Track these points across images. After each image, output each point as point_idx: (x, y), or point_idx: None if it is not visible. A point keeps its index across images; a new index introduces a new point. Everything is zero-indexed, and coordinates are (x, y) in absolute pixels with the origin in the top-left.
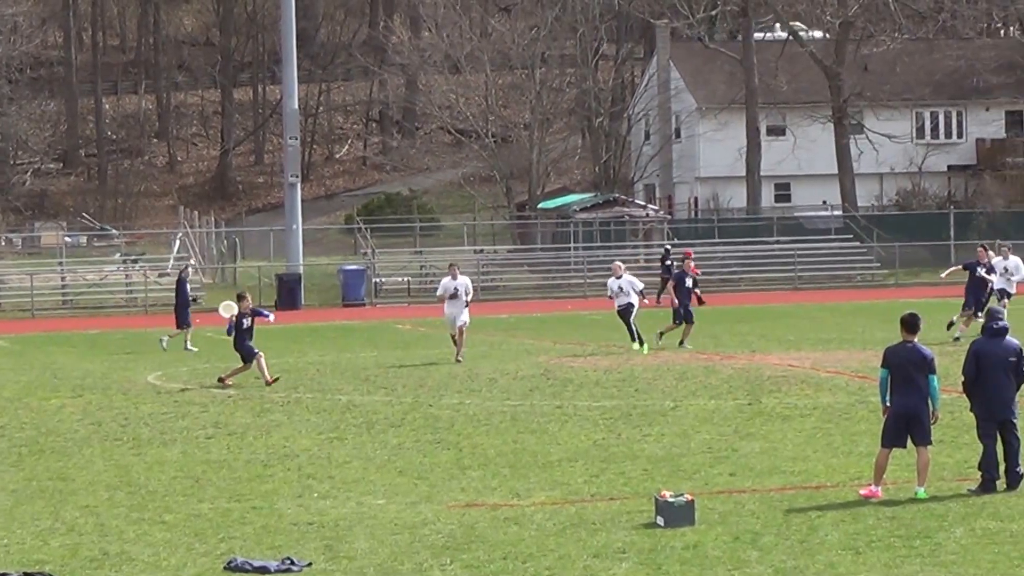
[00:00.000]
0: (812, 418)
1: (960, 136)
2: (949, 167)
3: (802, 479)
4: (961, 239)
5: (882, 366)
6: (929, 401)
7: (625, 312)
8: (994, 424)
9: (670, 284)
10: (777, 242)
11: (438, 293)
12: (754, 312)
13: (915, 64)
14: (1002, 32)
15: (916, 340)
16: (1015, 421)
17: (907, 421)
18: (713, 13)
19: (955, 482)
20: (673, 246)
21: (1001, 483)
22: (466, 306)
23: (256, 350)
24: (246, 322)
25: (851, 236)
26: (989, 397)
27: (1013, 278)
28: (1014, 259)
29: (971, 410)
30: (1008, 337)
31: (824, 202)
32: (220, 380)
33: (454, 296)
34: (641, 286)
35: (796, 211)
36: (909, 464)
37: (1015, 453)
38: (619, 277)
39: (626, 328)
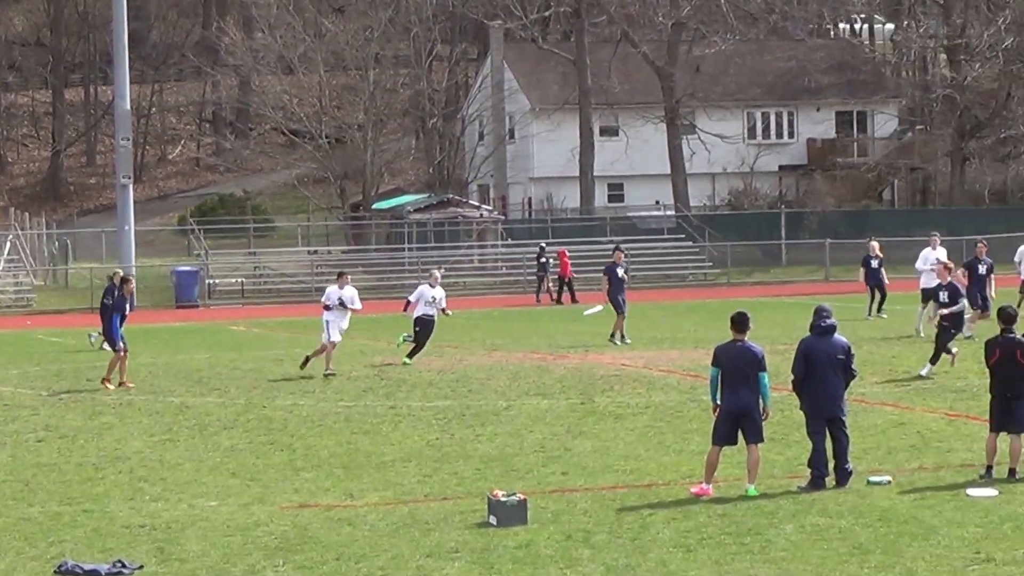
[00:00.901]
0: (644, 417)
1: (791, 136)
2: (780, 167)
3: (634, 477)
4: (792, 238)
5: (713, 365)
6: (760, 399)
7: (427, 325)
8: (823, 422)
9: (604, 279)
10: (610, 242)
11: (324, 301)
12: (573, 311)
13: (747, 65)
14: (832, 33)
15: (746, 338)
16: (844, 419)
17: (738, 419)
18: (546, 14)
19: (785, 479)
20: (544, 245)
21: (830, 480)
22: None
23: (122, 345)
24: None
25: (684, 236)
26: (818, 395)
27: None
28: (943, 251)
29: (801, 408)
30: (837, 335)
31: (657, 202)
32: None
33: (340, 305)
34: (445, 304)
35: (629, 211)
36: (740, 462)
37: (844, 450)
38: (433, 287)
39: (414, 336)
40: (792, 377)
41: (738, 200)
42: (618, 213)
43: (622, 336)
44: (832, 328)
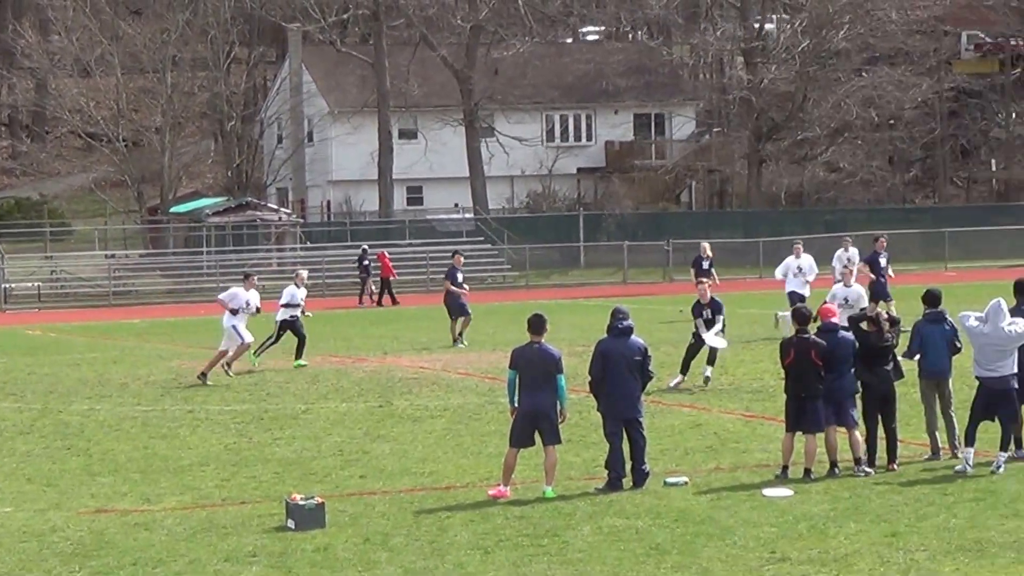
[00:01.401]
0: (442, 419)
1: (589, 139)
2: (579, 169)
3: (432, 480)
4: (591, 241)
5: (510, 367)
6: (557, 401)
7: (295, 325)
8: (620, 423)
9: (447, 283)
10: (409, 244)
11: (232, 305)
12: (386, 315)
13: (545, 68)
14: (630, 36)
15: (543, 340)
16: (641, 420)
17: (535, 421)
18: (345, 17)
19: (583, 481)
20: (366, 248)
21: (627, 481)
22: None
23: None
24: None
25: (482, 238)
26: (615, 396)
27: (808, 278)
28: (807, 258)
29: (598, 409)
30: (634, 337)
31: (456, 205)
32: None
33: (244, 310)
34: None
35: (428, 214)
36: (538, 464)
37: (641, 452)
38: (299, 287)
39: (274, 339)
40: (589, 379)
41: (536, 202)
42: (417, 216)
43: (459, 337)
44: (629, 330)
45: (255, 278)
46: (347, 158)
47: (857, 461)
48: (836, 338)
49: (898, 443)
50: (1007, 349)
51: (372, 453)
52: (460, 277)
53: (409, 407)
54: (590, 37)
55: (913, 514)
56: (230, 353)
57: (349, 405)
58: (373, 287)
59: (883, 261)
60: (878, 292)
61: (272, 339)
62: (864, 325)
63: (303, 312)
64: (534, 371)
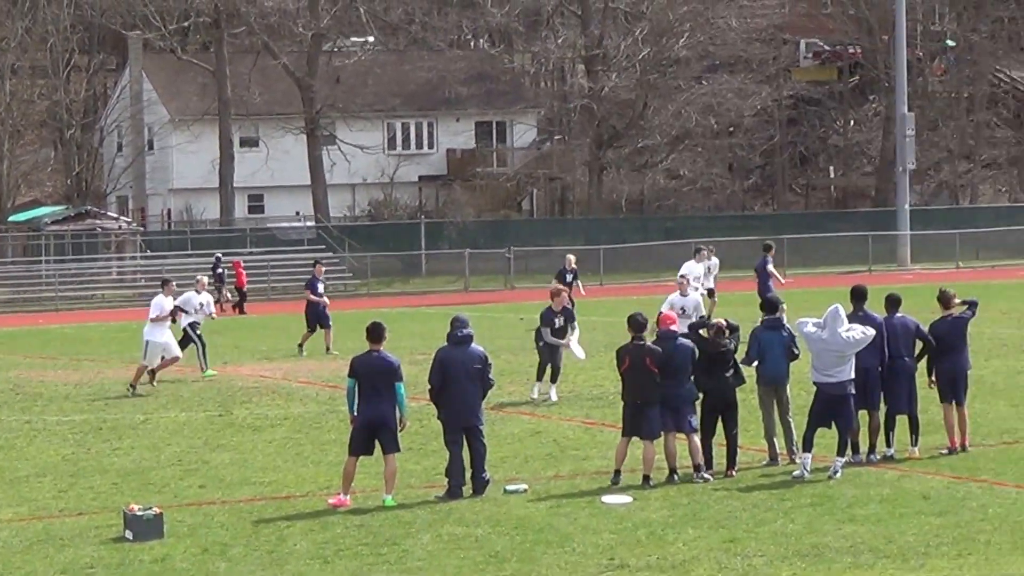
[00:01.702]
0: (283, 428)
1: (431, 147)
2: (420, 177)
3: (272, 489)
4: (432, 249)
5: (349, 375)
6: (396, 408)
7: (194, 328)
8: (460, 431)
9: (307, 292)
10: (251, 253)
11: (160, 315)
12: (227, 324)
13: (387, 75)
14: (472, 44)
15: (382, 348)
16: (481, 428)
17: (374, 429)
18: (186, 25)
19: (423, 489)
20: (220, 256)
21: (467, 489)
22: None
23: None
24: None
25: (324, 247)
26: (455, 404)
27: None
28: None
29: (438, 417)
30: (474, 345)
31: (297, 213)
32: None
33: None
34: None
35: (269, 222)
36: (379, 472)
37: (481, 459)
38: (199, 292)
39: (199, 346)
40: (429, 387)
41: (378, 211)
42: (259, 224)
43: (300, 347)
44: (468, 338)
45: (174, 284)
46: (188, 166)
47: (696, 468)
48: (674, 345)
49: (738, 449)
50: (845, 355)
51: (212, 463)
52: (321, 287)
53: (249, 416)
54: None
55: (751, 520)
56: (155, 364)
57: (189, 415)
58: (228, 295)
59: (770, 266)
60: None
61: (200, 346)
62: (703, 332)
63: (211, 316)
64: (373, 379)
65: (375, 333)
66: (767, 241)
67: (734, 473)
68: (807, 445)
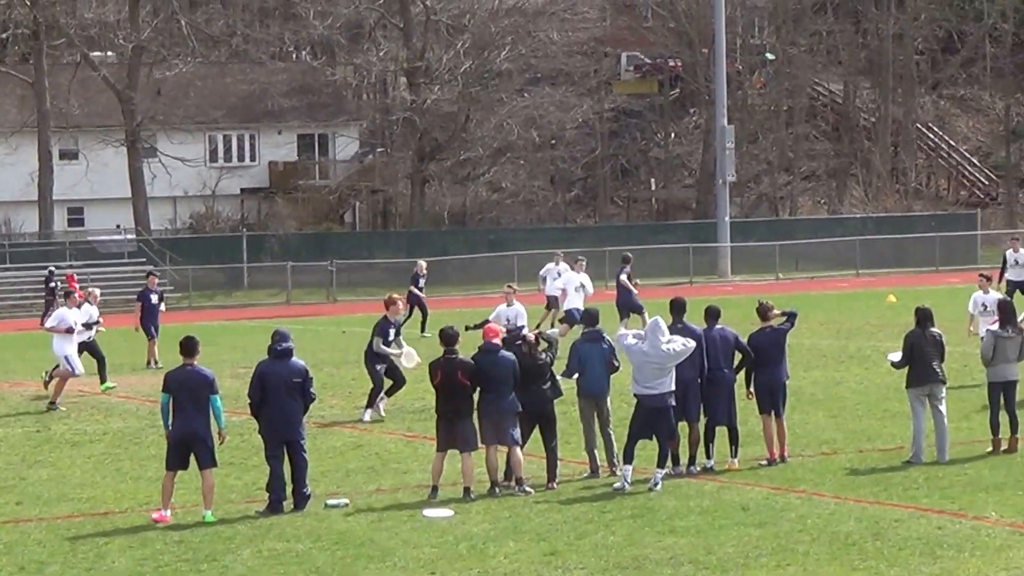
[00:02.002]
0: (102, 444)
1: (253, 159)
2: (242, 190)
3: (90, 506)
4: (254, 261)
5: (163, 390)
6: (213, 422)
7: (92, 346)
8: (281, 445)
9: (137, 305)
10: (71, 266)
11: (60, 327)
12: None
13: (208, 88)
14: (294, 56)
15: (196, 362)
16: (302, 442)
17: (189, 444)
18: (4, 36)
19: (243, 504)
20: (53, 269)
21: (288, 504)
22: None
23: None
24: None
25: (144, 260)
26: (275, 418)
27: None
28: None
29: (259, 431)
30: (294, 358)
31: (118, 226)
32: None
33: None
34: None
35: (89, 235)
36: (199, 487)
37: (302, 474)
38: (92, 304)
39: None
40: (249, 401)
41: (200, 223)
42: (78, 237)
43: (156, 361)
44: (288, 352)
45: (77, 295)
46: (6, 179)
47: (518, 481)
48: (495, 358)
49: (558, 462)
50: (665, 367)
51: (29, 479)
52: (155, 298)
53: (68, 431)
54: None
55: (572, 532)
56: (80, 371)
57: (5, 430)
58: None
59: (623, 277)
60: (632, 306)
61: (99, 359)
62: (521, 345)
63: (99, 328)
64: (187, 393)
65: (188, 347)
66: (625, 253)
67: (555, 486)
68: (628, 457)
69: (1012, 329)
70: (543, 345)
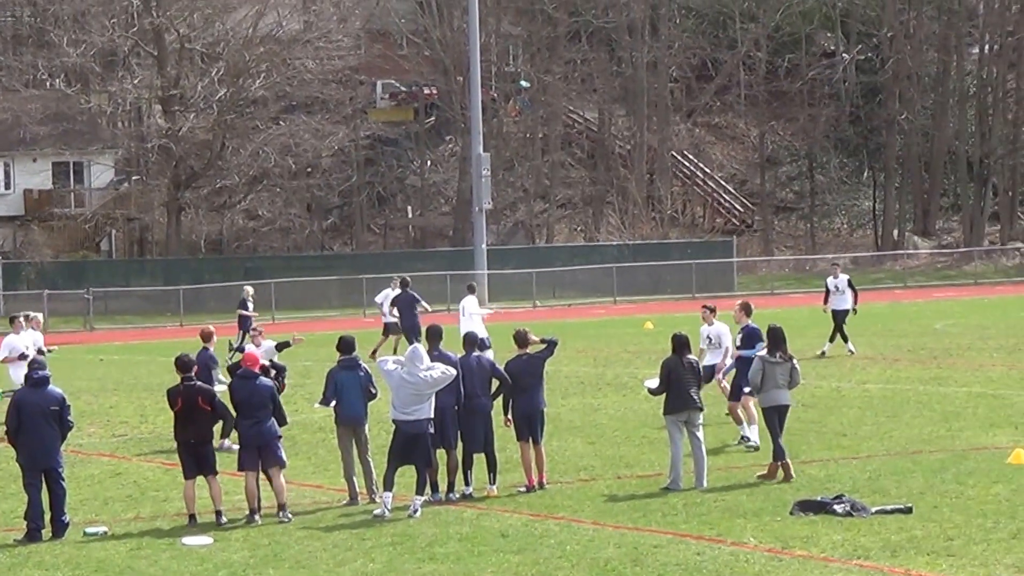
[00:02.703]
0: None
1: (8, 187)
2: None
3: None
4: (11, 289)
5: None
6: None
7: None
8: (39, 473)
9: None
10: None
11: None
12: None
13: None
14: (48, 84)
15: None
16: (61, 470)
17: None
18: None
19: (2, 532)
20: None
21: (47, 532)
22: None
23: None
24: None
25: None
26: (33, 446)
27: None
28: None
29: (17, 460)
30: (52, 387)
31: None
32: None
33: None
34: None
35: None
36: None
37: (61, 502)
38: (35, 330)
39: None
40: (5, 429)
41: None
42: None
43: None
44: (45, 380)
45: (22, 318)
46: None
47: (281, 507)
48: (253, 384)
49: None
50: (423, 394)
51: None
52: None
53: None
54: None
55: (332, 560)
56: None
57: None
58: None
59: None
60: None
61: (8, 393)
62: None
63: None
64: None
65: None
66: (471, 283)
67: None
68: (388, 484)
69: (781, 355)
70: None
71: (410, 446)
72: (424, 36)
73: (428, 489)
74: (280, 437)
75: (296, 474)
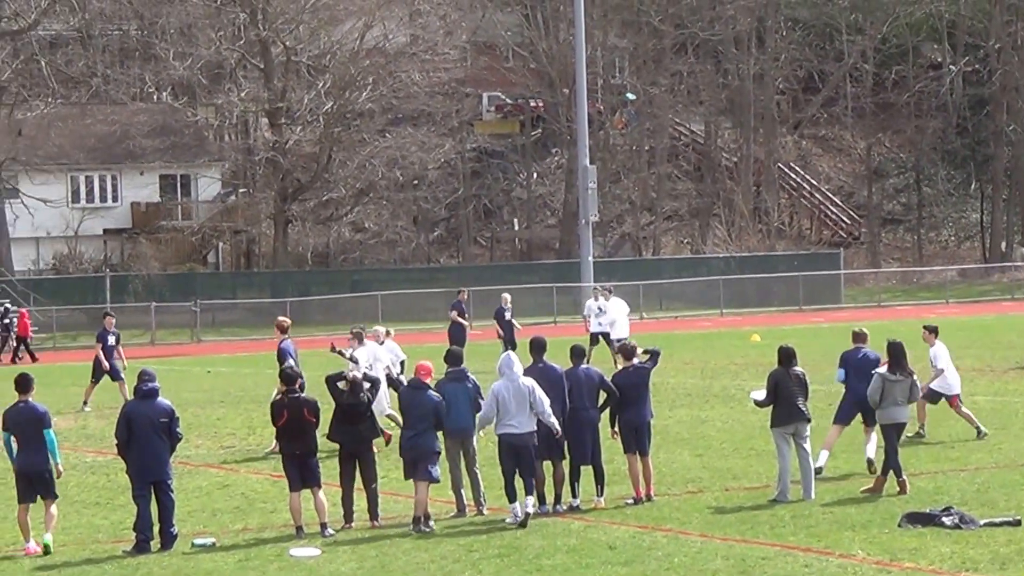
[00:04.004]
0: None
1: (116, 200)
2: (105, 230)
3: None
4: (118, 302)
5: (3, 428)
6: (50, 457)
7: None
8: (148, 485)
9: (97, 346)
10: None
11: None
12: None
13: (69, 128)
14: (155, 97)
15: (30, 398)
16: (169, 482)
17: (30, 478)
18: None
19: (111, 544)
20: (8, 306)
21: (155, 543)
22: None
23: None
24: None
25: (8, 301)
26: (142, 458)
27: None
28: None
29: (127, 472)
30: (160, 399)
31: None
32: None
33: None
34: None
35: None
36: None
37: (169, 513)
38: None
39: None
40: (116, 441)
41: (63, 264)
42: None
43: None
44: (154, 392)
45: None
46: None
47: (416, 520)
48: (422, 395)
49: (378, 499)
50: (526, 401)
51: None
52: (112, 339)
53: None
54: None
55: (439, 571)
56: None
57: None
58: (12, 344)
59: (508, 315)
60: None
61: None
62: (341, 385)
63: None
64: (24, 429)
65: (23, 384)
66: (505, 293)
67: (378, 523)
68: (511, 496)
69: (901, 372)
70: (367, 385)
71: (515, 458)
72: (530, 48)
73: (535, 499)
74: (438, 453)
75: (405, 486)
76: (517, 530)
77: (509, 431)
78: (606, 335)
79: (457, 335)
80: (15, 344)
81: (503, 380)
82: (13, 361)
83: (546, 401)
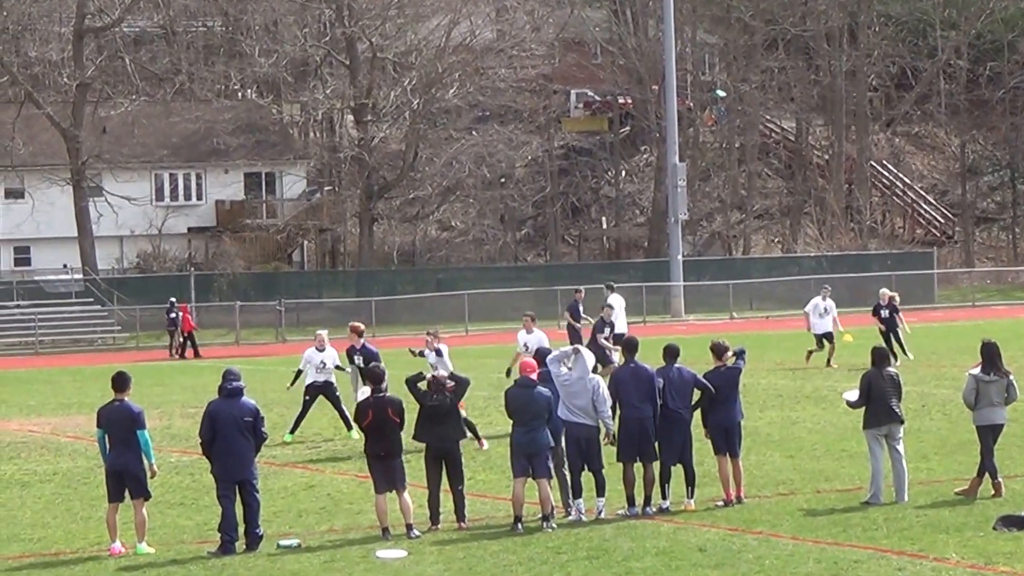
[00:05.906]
0: (52, 484)
1: (200, 198)
2: (189, 229)
3: (41, 546)
4: (203, 301)
5: (97, 426)
6: (143, 456)
7: None
8: (233, 485)
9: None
10: (17, 306)
11: None
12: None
13: (153, 126)
14: (240, 94)
15: (125, 398)
16: (254, 482)
17: (121, 476)
18: None
19: (195, 544)
20: (173, 300)
21: (240, 544)
22: None
23: None
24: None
25: (92, 299)
26: (227, 458)
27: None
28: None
29: (212, 471)
30: (245, 398)
31: (65, 265)
32: None
33: None
34: None
35: (36, 275)
36: (151, 527)
37: (254, 514)
38: None
39: None
40: (200, 440)
41: (147, 263)
42: (25, 277)
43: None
44: (239, 391)
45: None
46: None
47: (544, 517)
48: (531, 393)
49: (465, 501)
50: (587, 390)
51: None
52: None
53: (18, 472)
54: None
55: (527, 573)
56: None
57: None
58: (181, 339)
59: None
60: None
61: None
62: (421, 385)
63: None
64: (118, 428)
65: (119, 382)
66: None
67: (465, 525)
68: (576, 492)
69: (995, 372)
70: (450, 384)
71: (580, 449)
72: (619, 45)
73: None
74: (553, 447)
75: (491, 487)
76: (604, 531)
77: (572, 419)
78: (829, 335)
79: (572, 338)
80: (182, 340)
81: (573, 371)
82: (182, 356)
83: (608, 401)
